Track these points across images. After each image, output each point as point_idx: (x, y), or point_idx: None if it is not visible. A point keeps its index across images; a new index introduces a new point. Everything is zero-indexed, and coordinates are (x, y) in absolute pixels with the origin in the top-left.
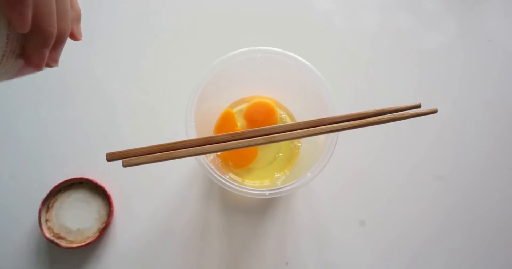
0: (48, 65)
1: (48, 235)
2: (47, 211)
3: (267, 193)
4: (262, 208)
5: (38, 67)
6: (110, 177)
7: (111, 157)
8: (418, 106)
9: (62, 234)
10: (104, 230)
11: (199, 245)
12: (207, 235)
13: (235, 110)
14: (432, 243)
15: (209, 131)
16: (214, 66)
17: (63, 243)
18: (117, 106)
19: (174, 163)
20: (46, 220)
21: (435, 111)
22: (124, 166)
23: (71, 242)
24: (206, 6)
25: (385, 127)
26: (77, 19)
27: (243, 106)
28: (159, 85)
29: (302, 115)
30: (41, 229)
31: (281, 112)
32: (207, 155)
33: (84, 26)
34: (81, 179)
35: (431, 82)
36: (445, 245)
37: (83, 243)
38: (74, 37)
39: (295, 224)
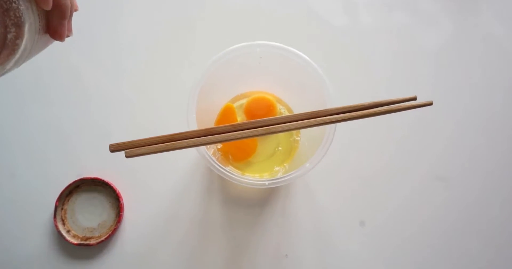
0: (67, 36)
1: (76, 241)
2: (63, 224)
3: (266, 182)
4: (262, 202)
5: (61, 37)
6: (110, 172)
7: (114, 148)
8: (414, 98)
9: (88, 235)
10: (120, 217)
11: (199, 238)
12: (207, 228)
13: (235, 105)
14: (435, 244)
15: (209, 126)
16: (215, 60)
17: (93, 241)
18: (114, 104)
19: (174, 158)
20: (68, 231)
21: (430, 104)
22: (127, 157)
23: (99, 237)
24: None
25: (386, 127)
26: None
27: (243, 101)
28: (155, 82)
29: (301, 110)
30: (67, 240)
31: (281, 107)
32: (208, 148)
33: (85, 23)
34: (82, 179)
35: (428, 81)
36: (448, 247)
37: (110, 233)
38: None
39: (294, 217)
